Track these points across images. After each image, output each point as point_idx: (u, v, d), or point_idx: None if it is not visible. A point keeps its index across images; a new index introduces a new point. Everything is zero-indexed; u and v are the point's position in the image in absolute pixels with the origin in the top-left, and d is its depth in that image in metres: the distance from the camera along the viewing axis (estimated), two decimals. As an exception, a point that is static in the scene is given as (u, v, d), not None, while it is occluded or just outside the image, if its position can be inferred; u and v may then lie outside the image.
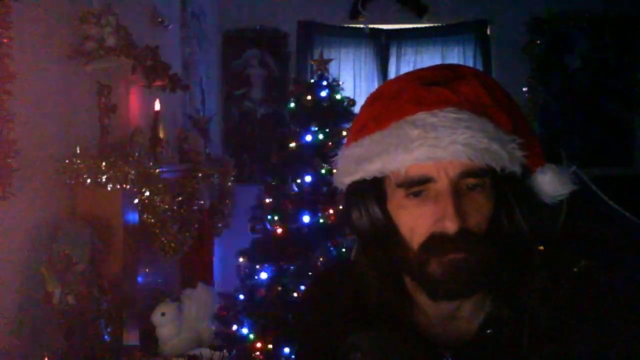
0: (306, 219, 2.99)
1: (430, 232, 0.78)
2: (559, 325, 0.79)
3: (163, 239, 2.62)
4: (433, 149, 0.76)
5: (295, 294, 2.90)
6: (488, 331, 0.84)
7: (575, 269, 0.81)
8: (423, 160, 0.77)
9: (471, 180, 0.78)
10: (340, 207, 2.85)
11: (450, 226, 0.76)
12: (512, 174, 0.80)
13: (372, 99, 0.86)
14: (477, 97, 0.79)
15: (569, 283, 0.81)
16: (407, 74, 0.86)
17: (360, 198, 0.84)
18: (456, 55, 4.80)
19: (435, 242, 0.78)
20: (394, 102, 0.81)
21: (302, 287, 2.89)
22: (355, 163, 0.83)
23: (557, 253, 0.84)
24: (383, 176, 0.82)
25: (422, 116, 0.78)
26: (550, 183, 0.82)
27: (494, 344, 0.82)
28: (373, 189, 0.83)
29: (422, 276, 0.80)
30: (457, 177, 0.78)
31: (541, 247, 0.83)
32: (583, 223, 0.87)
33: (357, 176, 0.83)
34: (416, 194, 0.80)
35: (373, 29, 4.79)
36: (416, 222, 0.80)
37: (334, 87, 3.21)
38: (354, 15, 4.70)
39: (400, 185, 0.80)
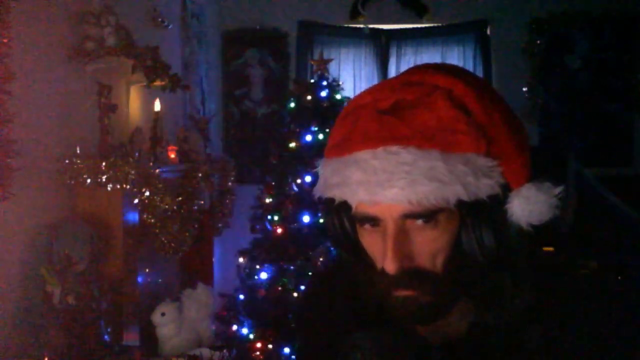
0: (306, 219, 2.99)
1: (381, 266, 0.79)
2: (551, 343, 0.80)
3: (163, 239, 2.62)
4: (372, 193, 0.76)
5: (295, 294, 2.90)
6: (473, 332, 0.84)
7: (583, 272, 0.81)
8: (366, 202, 0.78)
9: (416, 221, 0.77)
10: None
11: (389, 267, 0.77)
12: (478, 200, 0.77)
13: (342, 116, 0.85)
14: (438, 121, 0.76)
15: (574, 288, 0.80)
16: (374, 89, 0.84)
17: (335, 213, 0.86)
18: (456, 55, 4.80)
19: (385, 276, 0.79)
20: (352, 132, 0.80)
21: (302, 287, 2.89)
22: (323, 183, 0.85)
23: (565, 255, 0.83)
24: None
25: (365, 157, 0.77)
26: (520, 206, 0.78)
27: (480, 345, 0.83)
28: (345, 206, 0.83)
29: (384, 299, 0.82)
30: (401, 218, 0.77)
31: (550, 249, 0.82)
32: (592, 225, 0.87)
33: (327, 195, 0.84)
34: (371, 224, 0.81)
35: (373, 29, 4.78)
36: (371, 250, 0.82)
37: (334, 87, 3.21)
38: (354, 15, 4.70)
39: (353, 216, 0.82)
